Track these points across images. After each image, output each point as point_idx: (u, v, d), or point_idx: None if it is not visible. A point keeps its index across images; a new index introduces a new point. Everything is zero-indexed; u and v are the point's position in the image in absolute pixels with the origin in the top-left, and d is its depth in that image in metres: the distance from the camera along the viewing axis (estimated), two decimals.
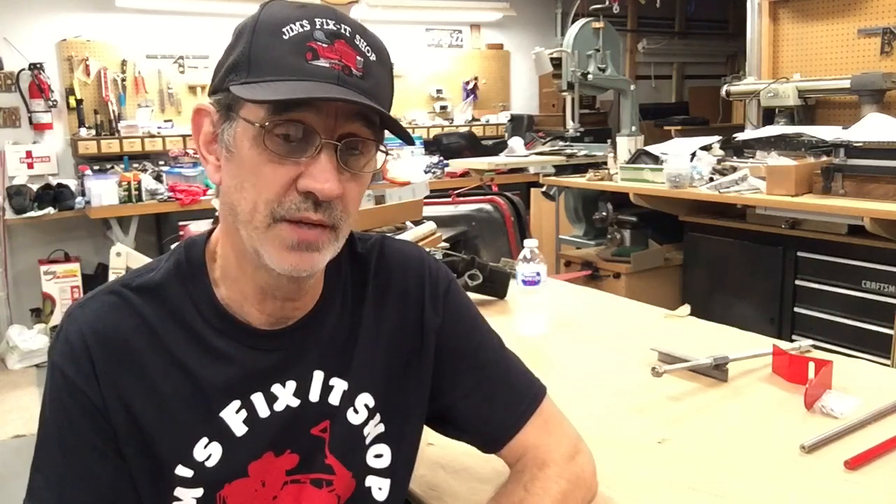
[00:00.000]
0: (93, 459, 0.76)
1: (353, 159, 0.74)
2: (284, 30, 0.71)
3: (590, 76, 4.10)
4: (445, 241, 2.35)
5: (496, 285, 1.79)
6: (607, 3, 4.46)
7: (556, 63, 4.14)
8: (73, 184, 4.45)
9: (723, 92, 4.14)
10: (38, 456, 0.77)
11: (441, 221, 2.44)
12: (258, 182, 0.72)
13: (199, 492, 0.78)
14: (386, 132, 0.77)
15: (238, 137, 0.73)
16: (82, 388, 0.76)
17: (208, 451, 0.78)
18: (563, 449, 0.88)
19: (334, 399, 0.83)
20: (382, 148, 0.77)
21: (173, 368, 0.77)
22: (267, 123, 0.70)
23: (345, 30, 0.72)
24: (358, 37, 0.73)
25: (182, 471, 0.77)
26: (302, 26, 0.71)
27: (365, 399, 0.85)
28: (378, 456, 0.86)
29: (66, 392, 0.76)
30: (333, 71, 0.70)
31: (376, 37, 0.76)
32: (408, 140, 0.78)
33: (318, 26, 0.71)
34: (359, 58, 0.72)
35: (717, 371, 1.28)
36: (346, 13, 0.76)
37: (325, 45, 0.71)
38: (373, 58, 0.73)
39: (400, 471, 0.88)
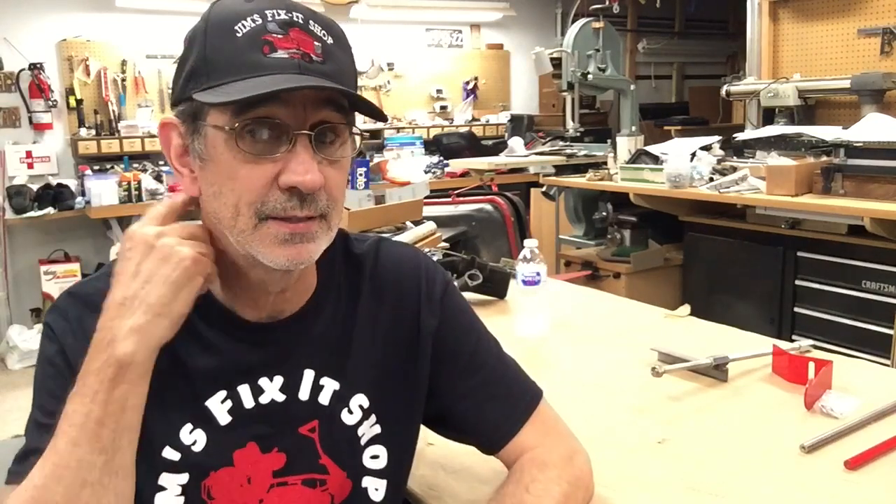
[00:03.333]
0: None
1: (328, 146, 0.74)
2: (237, 28, 0.70)
3: (590, 76, 4.10)
4: (445, 241, 2.35)
5: (496, 285, 1.79)
6: (607, 3, 4.46)
7: (556, 63, 4.14)
8: (73, 184, 4.45)
9: (723, 92, 4.14)
10: (32, 410, 0.78)
11: (441, 221, 2.44)
12: (236, 185, 0.71)
13: (185, 478, 0.77)
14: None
15: (210, 144, 0.72)
16: (69, 342, 0.76)
17: (193, 437, 0.78)
18: (562, 450, 0.88)
19: (324, 399, 0.83)
20: (356, 130, 0.76)
21: (162, 352, 0.76)
22: (236, 125, 0.69)
23: (297, 17, 0.71)
24: (312, 22, 0.72)
25: (169, 453, 0.77)
26: (254, 21, 0.70)
27: (359, 400, 0.84)
28: (374, 457, 0.86)
29: (52, 346, 0.77)
30: (293, 60, 0.69)
31: (330, 20, 0.75)
32: (381, 116, 0.77)
33: (269, 18, 0.70)
34: (316, 43, 0.71)
35: (717, 371, 1.28)
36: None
37: (279, 35, 0.70)
38: (330, 41, 0.73)
39: (397, 471, 0.88)
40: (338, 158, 0.74)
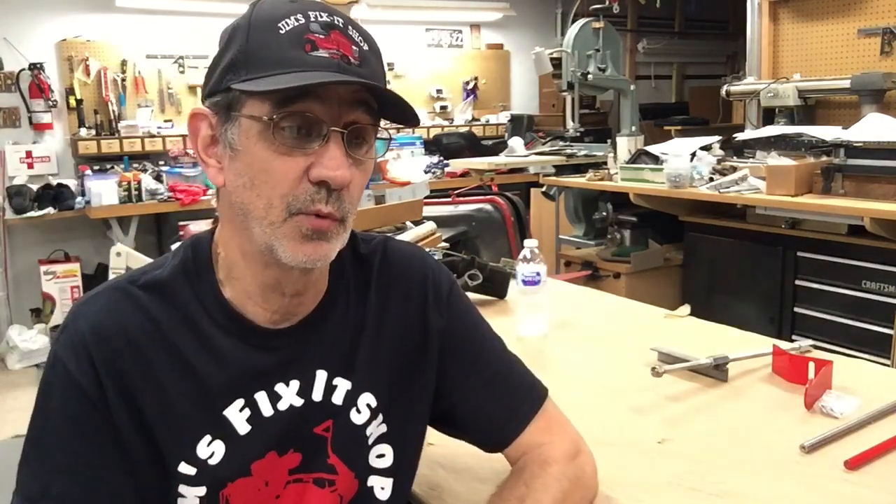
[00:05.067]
0: (87, 449, 0.75)
1: (357, 147, 0.75)
2: (280, 25, 0.72)
3: (590, 76, 4.10)
4: (445, 241, 2.35)
5: (496, 285, 1.79)
6: (607, 3, 4.45)
7: (556, 63, 4.14)
8: (73, 184, 4.45)
9: (723, 92, 4.14)
10: (29, 449, 0.76)
11: (441, 221, 2.44)
12: (269, 178, 0.72)
13: (202, 490, 0.78)
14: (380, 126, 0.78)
15: (243, 135, 0.73)
16: (82, 382, 0.75)
17: (211, 450, 0.78)
18: (565, 448, 0.89)
19: (337, 399, 0.83)
20: (385, 135, 0.78)
21: (178, 366, 0.77)
22: (274, 117, 0.71)
23: (338, 21, 0.74)
24: (350, 27, 0.75)
25: (185, 468, 0.77)
26: (297, 20, 0.72)
27: (367, 399, 0.85)
28: (380, 456, 0.86)
29: (65, 384, 0.76)
30: (333, 60, 0.72)
31: (364, 28, 0.78)
32: (413, 119, 0.78)
33: (312, 19, 0.72)
34: (354, 47, 0.74)
35: (717, 371, 1.27)
36: (346, 13, 0.77)
37: (322, 36, 0.72)
38: (365, 47, 0.75)
39: (402, 471, 0.88)
40: (364, 160, 0.76)
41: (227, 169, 0.76)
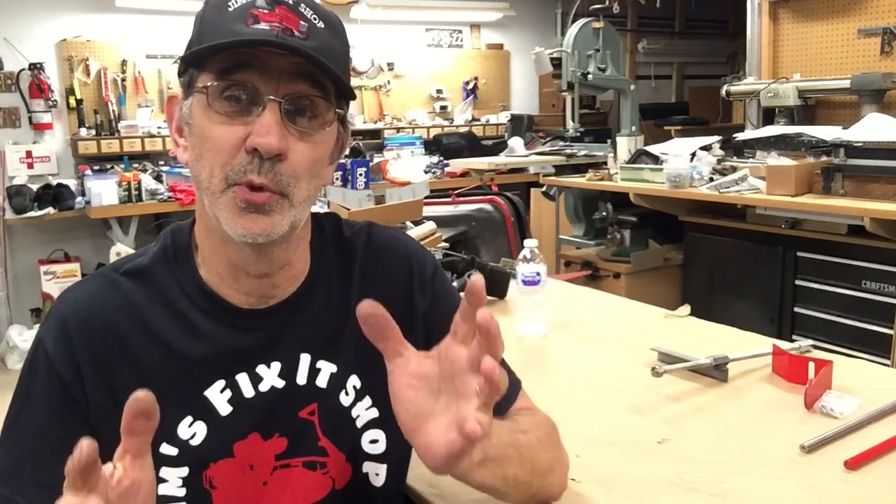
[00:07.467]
0: (55, 430, 0.75)
1: (301, 119, 0.75)
2: (230, 3, 0.74)
3: (590, 76, 4.10)
4: (445, 241, 2.35)
5: (496, 285, 1.79)
6: (607, 3, 4.46)
7: (556, 63, 4.15)
8: (73, 184, 4.45)
9: (723, 92, 4.14)
10: (5, 427, 0.77)
11: (441, 221, 2.44)
12: (212, 146, 0.74)
13: (185, 471, 0.78)
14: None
15: (194, 108, 0.76)
16: (56, 363, 0.77)
17: (193, 430, 0.78)
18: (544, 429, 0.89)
19: (321, 382, 0.84)
20: (340, 111, 0.78)
21: (159, 348, 0.78)
22: (210, 84, 0.73)
23: None
24: (304, 6, 0.74)
25: (167, 449, 0.78)
26: None
27: (353, 381, 0.85)
28: (373, 441, 0.86)
29: (42, 365, 0.78)
30: (272, 32, 0.72)
31: (330, 12, 0.77)
32: (349, 93, 0.78)
33: None
34: (302, 23, 0.74)
35: (717, 371, 1.27)
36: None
37: (265, 10, 0.73)
38: (320, 25, 0.75)
39: (396, 456, 0.88)
40: (307, 131, 0.75)
41: (188, 145, 0.78)
